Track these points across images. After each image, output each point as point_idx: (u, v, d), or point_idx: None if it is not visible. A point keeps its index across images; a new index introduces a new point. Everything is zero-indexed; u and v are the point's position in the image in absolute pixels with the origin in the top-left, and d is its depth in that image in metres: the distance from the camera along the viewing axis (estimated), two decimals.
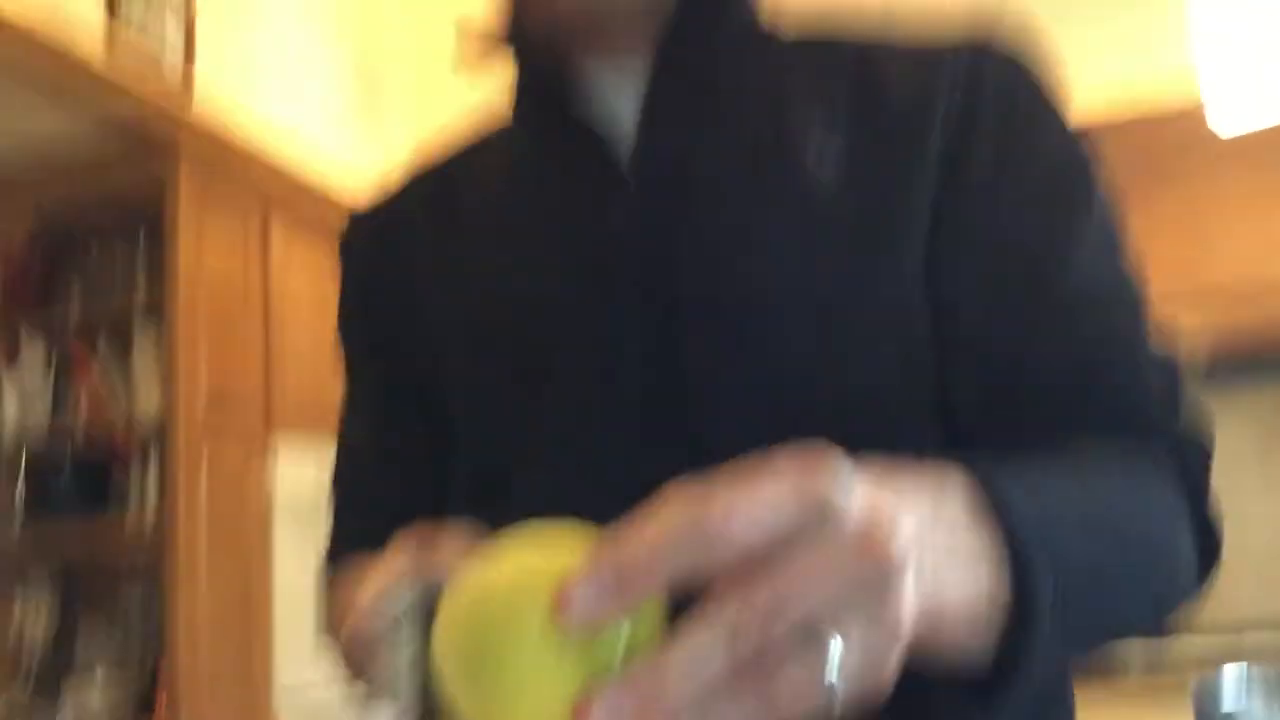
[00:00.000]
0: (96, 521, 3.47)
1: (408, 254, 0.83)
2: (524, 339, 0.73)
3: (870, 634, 0.38)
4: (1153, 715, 1.68)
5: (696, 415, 0.67)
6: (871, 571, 0.38)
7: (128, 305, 3.59)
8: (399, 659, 0.41)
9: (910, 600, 0.39)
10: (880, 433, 0.59)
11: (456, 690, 0.37)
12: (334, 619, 0.72)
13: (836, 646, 0.36)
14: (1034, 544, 0.48)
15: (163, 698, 3.28)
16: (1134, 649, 2.49)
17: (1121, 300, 0.67)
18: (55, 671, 3.49)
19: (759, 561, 0.37)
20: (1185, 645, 2.51)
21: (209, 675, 3.31)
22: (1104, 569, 0.53)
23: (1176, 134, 3.09)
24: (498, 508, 0.69)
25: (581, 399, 0.71)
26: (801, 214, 0.68)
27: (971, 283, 0.66)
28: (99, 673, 3.43)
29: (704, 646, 0.36)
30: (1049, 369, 0.65)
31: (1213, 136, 3.04)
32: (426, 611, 0.44)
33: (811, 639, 0.37)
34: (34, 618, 3.53)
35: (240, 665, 3.39)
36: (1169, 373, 0.66)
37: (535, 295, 0.74)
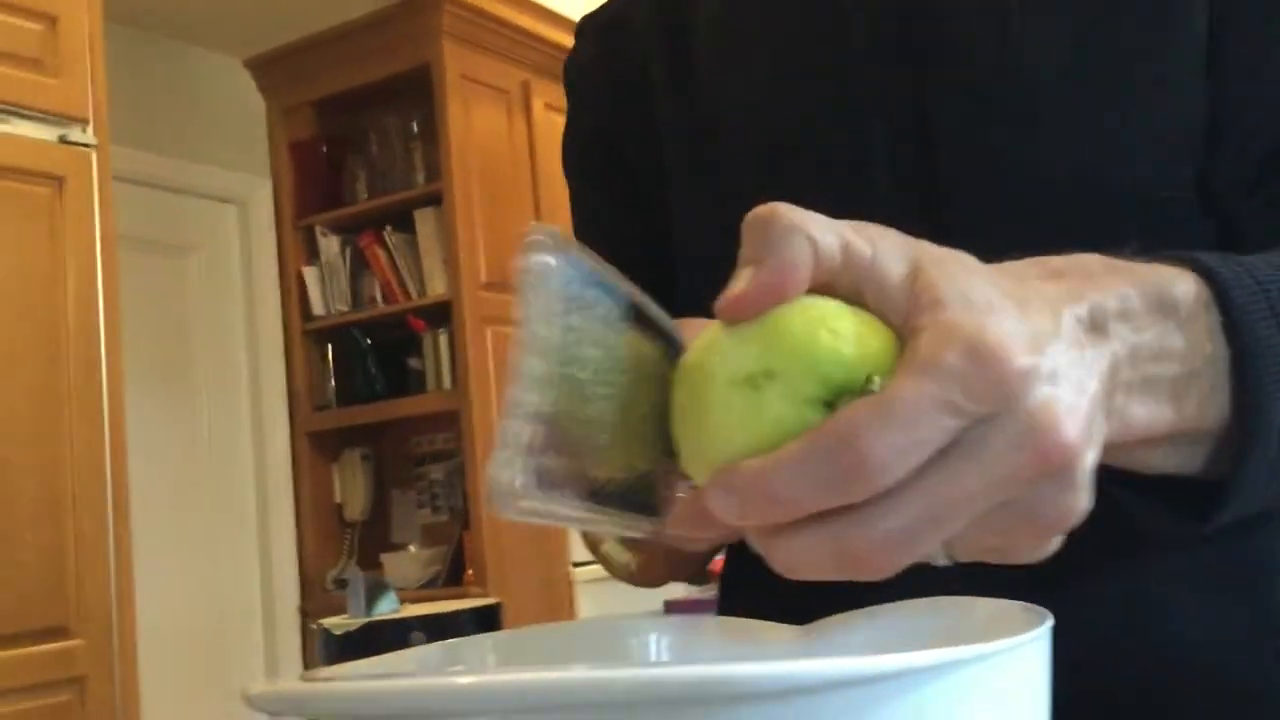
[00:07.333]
0: (399, 403, 3.61)
1: (636, 63, 0.79)
2: (764, 152, 0.71)
3: (1025, 526, 0.36)
4: None
5: (947, 210, 0.64)
6: (1038, 475, 0.35)
7: (408, 193, 3.68)
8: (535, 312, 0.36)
9: (1082, 492, 0.36)
10: (1145, 226, 0.53)
11: (677, 427, 0.39)
12: None
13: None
14: (1262, 353, 0.44)
15: (469, 570, 3.40)
16: None
17: None
18: (373, 547, 3.69)
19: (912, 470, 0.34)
20: None
21: (511, 548, 3.39)
22: None
23: None
24: None
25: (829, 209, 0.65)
26: None
27: (1245, 51, 0.60)
28: (411, 548, 3.59)
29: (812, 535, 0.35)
30: None
31: None
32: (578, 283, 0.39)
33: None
34: (352, 498, 3.73)
35: (540, 539, 3.46)
36: None
37: (778, 106, 0.71)
